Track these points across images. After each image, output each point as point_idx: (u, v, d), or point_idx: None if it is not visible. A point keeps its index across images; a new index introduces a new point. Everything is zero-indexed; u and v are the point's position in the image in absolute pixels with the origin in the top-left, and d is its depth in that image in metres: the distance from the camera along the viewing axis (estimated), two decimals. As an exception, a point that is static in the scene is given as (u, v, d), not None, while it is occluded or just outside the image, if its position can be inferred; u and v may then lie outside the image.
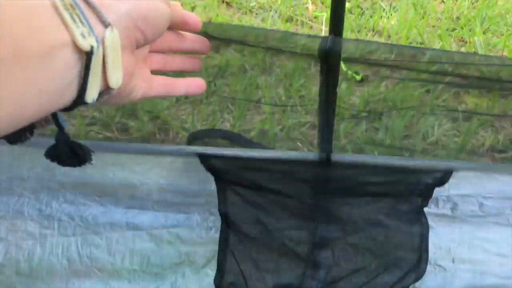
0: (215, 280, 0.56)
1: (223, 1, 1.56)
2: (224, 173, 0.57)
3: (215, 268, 0.58)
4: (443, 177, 0.53)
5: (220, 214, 0.57)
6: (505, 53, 1.29)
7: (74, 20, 0.27)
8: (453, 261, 0.57)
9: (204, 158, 0.56)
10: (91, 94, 0.28)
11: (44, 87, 0.26)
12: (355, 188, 0.54)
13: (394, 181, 0.53)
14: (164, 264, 0.61)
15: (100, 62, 0.28)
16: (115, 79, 0.30)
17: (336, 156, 0.51)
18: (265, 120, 1.05)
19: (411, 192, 0.54)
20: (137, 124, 1.07)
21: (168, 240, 0.62)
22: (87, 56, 0.27)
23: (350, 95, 1.11)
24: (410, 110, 1.03)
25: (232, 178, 0.57)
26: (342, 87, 1.14)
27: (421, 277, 0.54)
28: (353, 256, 0.54)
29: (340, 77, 1.23)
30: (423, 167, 0.53)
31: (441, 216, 0.57)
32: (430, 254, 0.56)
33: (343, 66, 1.24)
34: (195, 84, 0.38)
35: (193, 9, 1.50)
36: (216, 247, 0.58)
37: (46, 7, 0.27)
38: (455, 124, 1.03)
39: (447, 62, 0.47)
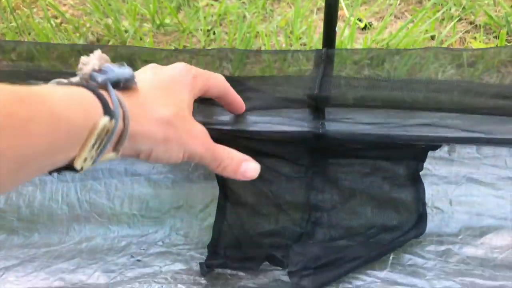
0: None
1: None
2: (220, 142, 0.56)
3: (214, 211, 0.58)
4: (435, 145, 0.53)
5: (218, 183, 0.56)
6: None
7: (93, 147, 0.29)
8: (450, 203, 0.57)
9: None
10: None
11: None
12: (351, 151, 0.54)
13: (390, 144, 0.52)
14: (163, 208, 0.62)
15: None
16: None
17: (332, 125, 0.50)
18: (265, 68, 1.04)
19: (406, 155, 0.53)
20: (135, 73, 1.06)
21: (166, 185, 0.62)
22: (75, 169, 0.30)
23: (352, 42, 1.08)
24: (414, 56, 1.01)
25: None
26: (345, 34, 1.11)
27: (421, 234, 0.54)
28: (351, 218, 0.54)
29: (342, 24, 1.20)
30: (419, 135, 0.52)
31: (438, 159, 0.57)
32: (428, 196, 0.56)
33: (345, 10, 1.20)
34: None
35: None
36: (214, 191, 0.58)
37: (79, 127, 0.28)
38: (459, 70, 1.01)
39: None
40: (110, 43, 1.15)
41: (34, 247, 0.61)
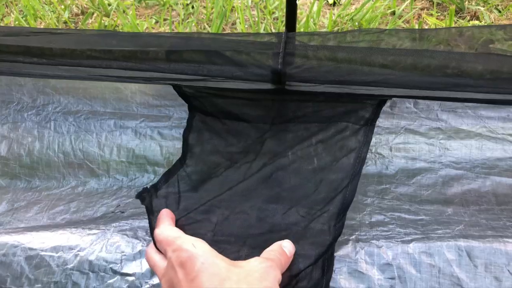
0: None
1: None
2: (193, 99, 0.63)
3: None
4: (383, 101, 0.60)
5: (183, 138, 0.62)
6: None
7: None
8: (390, 150, 0.68)
9: (176, 86, 0.62)
10: None
11: None
12: (308, 113, 0.60)
13: (343, 104, 0.59)
14: (148, 156, 0.71)
15: None
16: None
17: (292, 84, 0.55)
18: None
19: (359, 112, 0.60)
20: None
21: (151, 136, 0.71)
22: None
23: (319, 17, 1.18)
24: (374, 30, 1.11)
25: (198, 104, 0.63)
26: (314, 9, 1.21)
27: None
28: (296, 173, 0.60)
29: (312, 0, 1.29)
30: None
31: (382, 113, 0.67)
32: (372, 144, 0.67)
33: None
34: None
35: None
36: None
37: None
38: (414, 44, 1.11)
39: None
40: (94, 15, 1.22)
41: (36, 191, 0.70)
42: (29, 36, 0.56)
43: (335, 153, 0.61)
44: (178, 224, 0.52)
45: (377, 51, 0.56)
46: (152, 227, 0.51)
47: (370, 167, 0.68)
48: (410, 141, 0.68)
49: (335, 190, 0.58)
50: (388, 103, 0.68)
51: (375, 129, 0.67)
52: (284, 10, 1.20)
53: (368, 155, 0.67)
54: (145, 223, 0.59)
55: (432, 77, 0.57)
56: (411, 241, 0.54)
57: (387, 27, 1.15)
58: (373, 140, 0.67)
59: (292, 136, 0.61)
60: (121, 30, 1.17)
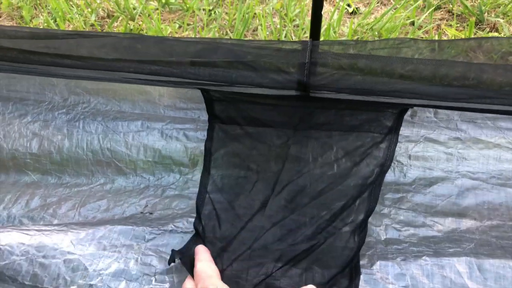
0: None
1: None
2: (217, 104, 0.64)
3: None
4: (404, 110, 0.62)
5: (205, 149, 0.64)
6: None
7: None
8: (409, 158, 0.70)
9: (204, 90, 0.63)
10: None
11: None
12: (331, 120, 0.62)
13: (368, 112, 0.60)
14: (174, 157, 0.73)
15: None
16: None
17: (317, 92, 0.57)
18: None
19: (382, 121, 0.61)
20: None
21: (177, 137, 0.74)
22: None
23: (339, 25, 1.20)
24: (394, 39, 1.12)
25: (222, 109, 0.64)
26: (334, 18, 1.23)
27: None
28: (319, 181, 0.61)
29: (332, 8, 1.31)
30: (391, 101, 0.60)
31: (403, 121, 0.68)
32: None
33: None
34: None
35: None
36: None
37: None
38: (433, 54, 1.12)
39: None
40: (120, 19, 1.26)
41: (66, 187, 0.73)
42: (59, 39, 0.59)
43: (358, 161, 0.62)
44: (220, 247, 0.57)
45: (397, 60, 0.57)
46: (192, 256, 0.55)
47: (388, 175, 0.69)
48: (429, 150, 0.70)
49: (358, 198, 0.60)
50: (409, 112, 0.70)
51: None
52: (305, 18, 1.23)
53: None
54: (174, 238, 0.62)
55: (452, 88, 0.59)
56: (423, 255, 0.58)
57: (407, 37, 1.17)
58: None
59: (315, 144, 0.63)
60: (146, 34, 1.20)
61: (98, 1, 1.31)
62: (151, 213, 0.67)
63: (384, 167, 0.61)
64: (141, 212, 0.67)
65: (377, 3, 1.32)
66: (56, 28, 1.19)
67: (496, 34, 1.18)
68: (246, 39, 1.16)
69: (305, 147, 0.63)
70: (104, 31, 1.23)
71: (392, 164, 0.69)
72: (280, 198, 0.60)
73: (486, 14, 1.23)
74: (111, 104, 0.76)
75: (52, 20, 1.24)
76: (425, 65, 0.61)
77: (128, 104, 0.76)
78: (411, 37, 1.16)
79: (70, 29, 1.22)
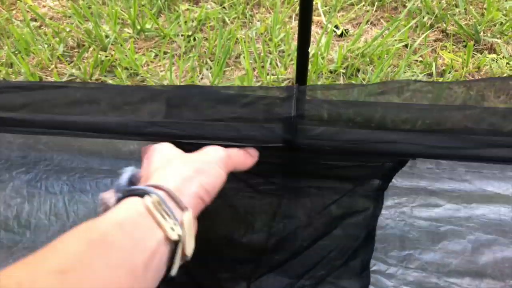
0: None
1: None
2: None
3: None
4: (402, 161, 0.55)
5: None
6: (485, 5, 1.30)
7: (163, 217, 0.34)
8: (411, 211, 0.62)
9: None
10: (175, 269, 0.34)
11: (144, 284, 0.32)
12: (321, 171, 0.57)
13: (359, 165, 0.55)
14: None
15: (182, 242, 0.34)
16: (190, 249, 0.35)
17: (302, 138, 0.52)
18: (244, 76, 1.07)
19: (373, 175, 0.56)
20: (115, 81, 1.07)
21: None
22: (174, 243, 0.33)
23: (328, 49, 1.12)
24: (387, 65, 1.05)
25: None
26: (322, 41, 1.15)
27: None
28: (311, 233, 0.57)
29: (320, 31, 1.24)
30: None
31: (401, 173, 0.60)
32: (392, 205, 0.61)
33: (323, 18, 1.24)
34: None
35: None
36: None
37: (142, 214, 0.33)
38: (430, 79, 1.06)
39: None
40: (91, 49, 1.16)
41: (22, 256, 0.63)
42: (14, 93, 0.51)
43: (349, 213, 0.56)
44: None
45: (394, 106, 0.51)
46: None
47: (390, 230, 0.62)
48: (432, 203, 0.62)
49: (349, 252, 0.55)
50: (408, 163, 0.62)
51: (394, 190, 0.62)
52: (291, 43, 1.15)
53: (388, 217, 0.62)
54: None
55: (453, 136, 0.53)
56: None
57: (400, 63, 1.10)
58: (393, 201, 0.62)
59: (306, 196, 0.58)
60: (118, 65, 1.11)
61: (68, 30, 1.22)
62: None
63: (374, 217, 0.56)
64: None
65: (367, 23, 1.25)
66: (19, 61, 1.09)
67: (494, 56, 1.12)
68: (221, 85, 1.08)
69: (294, 199, 0.58)
70: (73, 63, 1.13)
71: (394, 218, 0.62)
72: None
73: (482, 33, 1.17)
74: (77, 160, 0.67)
75: (16, 52, 1.14)
76: (424, 112, 0.56)
77: (96, 159, 0.67)
78: (406, 63, 1.09)
79: (34, 62, 1.12)
